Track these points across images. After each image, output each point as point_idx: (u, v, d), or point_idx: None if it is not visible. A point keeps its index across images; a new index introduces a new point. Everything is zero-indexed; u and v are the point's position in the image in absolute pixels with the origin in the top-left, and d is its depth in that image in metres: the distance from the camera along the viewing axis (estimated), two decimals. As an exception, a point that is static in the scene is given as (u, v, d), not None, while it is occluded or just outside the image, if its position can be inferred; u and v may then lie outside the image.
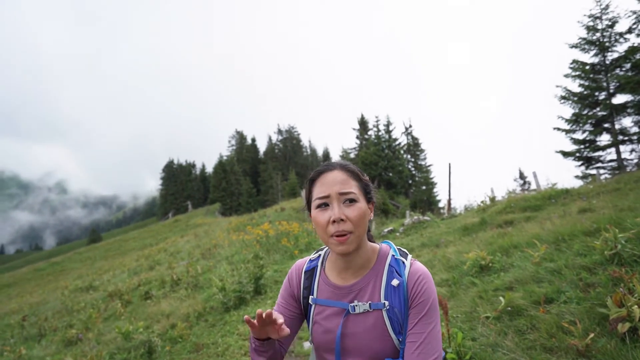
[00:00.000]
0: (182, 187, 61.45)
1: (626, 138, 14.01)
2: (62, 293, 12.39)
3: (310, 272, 1.22)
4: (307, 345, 4.40)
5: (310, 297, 1.19)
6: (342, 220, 1.02)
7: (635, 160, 13.86)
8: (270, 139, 66.80)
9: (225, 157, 59.70)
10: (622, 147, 14.05)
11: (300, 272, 1.24)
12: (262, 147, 67.43)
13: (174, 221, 36.35)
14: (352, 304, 1.08)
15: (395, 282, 1.06)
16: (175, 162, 65.39)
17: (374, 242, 1.21)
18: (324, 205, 1.05)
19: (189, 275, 8.50)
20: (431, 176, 42.42)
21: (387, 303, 1.04)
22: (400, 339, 1.04)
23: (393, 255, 1.12)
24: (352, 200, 1.03)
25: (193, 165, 66.58)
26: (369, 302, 1.07)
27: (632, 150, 14.09)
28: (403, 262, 1.08)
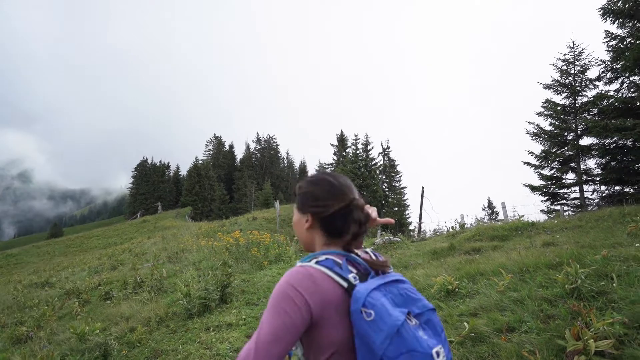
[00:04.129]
0: (154, 187, 59.97)
1: (589, 178, 14.71)
2: (15, 287, 11.77)
3: None
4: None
5: None
6: None
7: (597, 200, 14.54)
8: (248, 147, 66.53)
9: (201, 161, 58.90)
10: (585, 187, 14.73)
11: None
12: (239, 154, 67.05)
13: (141, 221, 35.37)
14: None
15: None
16: (149, 161, 63.96)
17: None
18: None
19: (153, 278, 8.26)
20: (404, 198, 43.02)
21: None
22: None
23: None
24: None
25: (167, 166, 65.25)
26: None
27: (594, 191, 14.79)
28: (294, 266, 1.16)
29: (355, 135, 43.16)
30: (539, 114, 16.05)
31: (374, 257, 1.25)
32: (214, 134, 69.02)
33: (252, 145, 67.84)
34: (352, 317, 1.00)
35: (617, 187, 13.71)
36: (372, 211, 1.25)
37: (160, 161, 65.19)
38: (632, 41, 12.22)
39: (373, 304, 1.00)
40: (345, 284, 1.05)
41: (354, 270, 1.12)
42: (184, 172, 63.83)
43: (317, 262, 1.11)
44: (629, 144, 12.35)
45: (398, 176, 44.54)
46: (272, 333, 0.99)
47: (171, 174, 65.67)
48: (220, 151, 66.52)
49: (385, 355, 0.95)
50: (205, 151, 67.29)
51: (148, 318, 6.07)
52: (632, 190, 13.05)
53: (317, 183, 1.27)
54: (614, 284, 3.52)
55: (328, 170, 44.90)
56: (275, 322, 1.00)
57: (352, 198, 1.22)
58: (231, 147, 67.64)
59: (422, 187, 15.45)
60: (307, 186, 1.28)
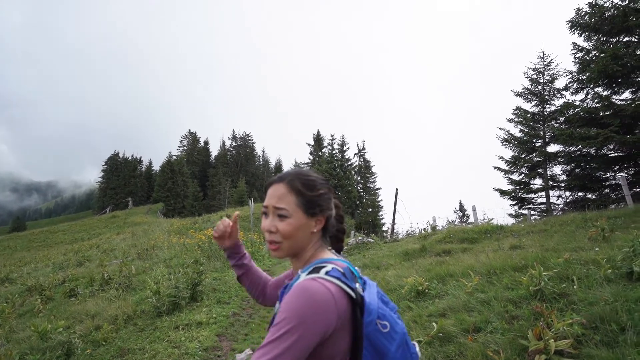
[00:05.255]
0: (125, 182, 58.40)
1: (555, 184, 15.32)
2: (-28, 283, 11.23)
3: None
4: (239, 357, 4.31)
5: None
6: (272, 231, 1.12)
7: (561, 206, 15.16)
8: (223, 144, 65.75)
9: (174, 157, 57.81)
10: (551, 192, 15.33)
11: None
12: (214, 151, 66.15)
13: (111, 217, 34.35)
14: (277, 304, 1.15)
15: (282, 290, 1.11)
16: (121, 155, 62.25)
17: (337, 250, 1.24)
18: (265, 214, 1.16)
19: (121, 275, 8.04)
20: (378, 199, 43.54)
21: (276, 309, 1.11)
22: None
23: (302, 269, 1.11)
24: (283, 216, 1.10)
25: (139, 161, 63.66)
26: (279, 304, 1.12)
27: (559, 196, 15.43)
28: (298, 277, 1.06)
29: (332, 136, 43.46)
30: (510, 120, 16.60)
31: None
32: (189, 130, 67.82)
33: (228, 142, 67.14)
34: (366, 328, 0.99)
35: (580, 193, 14.34)
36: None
37: (132, 155, 63.57)
38: (597, 54, 12.79)
39: (384, 314, 1.02)
40: (353, 295, 1.01)
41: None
42: (156, 167, 62.53)
43: (327, 273, 1.02)
44: (592, 152, 12.94)
45: (373, 177, 45.07)
46: (284, 356, 0.90)
47: (143, 169, 64.13)
48: (194, 147, 65.43)
49: None
50: (179, 147, 66.08)
51: (115, 316, 5.91)
52: (594, 197, 13.66)
53: (323, 182, 1.17)
54: (575, 286, 3.67)
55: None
56: (288, 347, 0.90)
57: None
58: (206, 143, 66.67)
59: (396, 189, 15.66)
60: (324, 185, 1.16)
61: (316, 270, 1.04)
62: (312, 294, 0.96)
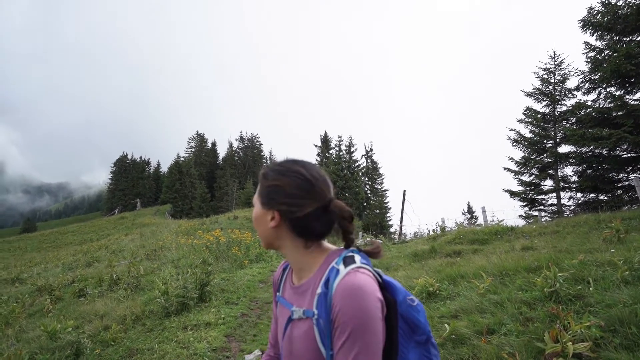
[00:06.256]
0: (133, 183, 58.86)
1: (566, 185, 15.08)
2: (-17, 283, 11.35)
3: (286, 269, 1.25)
4: (248, 357, 4.27)
5: (277, 293, 1.22)
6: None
7: (573, 207, 14.92)
8: (231, 146, 65.91)
9: (182, 158, 58.12)
10: (562, 194, 15.09)
11: (281, 268, 1.27)
12: (222, 152, 66.37)
13: (119, 218, 34.69)
14: (292, 309, 1.07)
15: (319, 290, 1.00)
16: (129, 157, 62.77)
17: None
18: None
19: (130, 276, 8.06)
20: (386, 201, 43.34)
21: (316, 312, 0.99)
22: (331, 354, 0.96)
23: (335, 262, 1.03)
24: (251, 204, 1.11)
25: (147, 163, 64.15)
26: (304, 308, 1.04)
27: (570, 198, 15.17)
28: (337, 271, 0.98)
29: (339, 137, 43.32)
30: (520, 120, 16.39)
31: None
32: (197, 131, 68.15)
33: (235, 144, 67.29)
34: (400, 307, 1.01)
35: (592, 195, 14.10)
36: None
37: (141, 157, 64.09)
38: (610, 53, 12.58)
39: (406, 290, 1.08)
40: (379, 279, 1.04)
41: None
42: (164, 168, 62.98)
43: (361, 262, 1.02)
44: (605, 153, 12.72)
45: (380, 179, 44.89)
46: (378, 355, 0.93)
47: (151, 170, 64.62)
48: (202, 149, 65.73)
49: (429, 332, 1.06)
50: (187, 148, 66.41)
51: (123, 316, 5.91)
52: (606, 198, 13.42)
53: (285, 174, 1.07)
54: (591, 288, 3.59)
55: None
56: (376, 346, 0.92)
57: (329, 199, 1.06)
58: (214, 145, 66.93)
59: (404, 190, 15.59)
60: (275, 176, 1.08)
61: (351, 260, 1.01)
62: (366, 286, 0.94)
